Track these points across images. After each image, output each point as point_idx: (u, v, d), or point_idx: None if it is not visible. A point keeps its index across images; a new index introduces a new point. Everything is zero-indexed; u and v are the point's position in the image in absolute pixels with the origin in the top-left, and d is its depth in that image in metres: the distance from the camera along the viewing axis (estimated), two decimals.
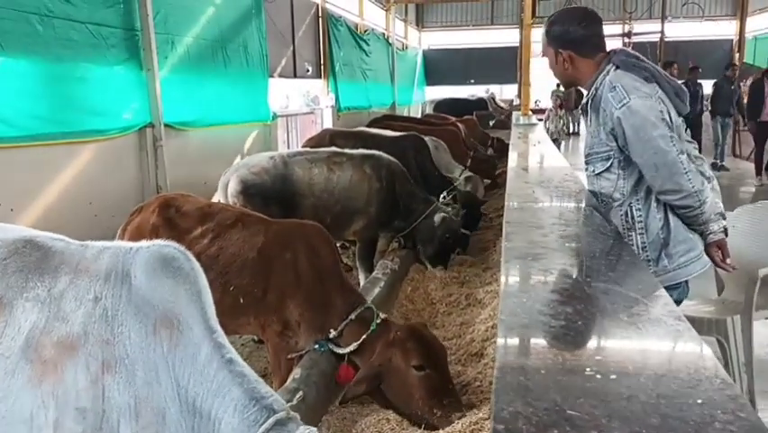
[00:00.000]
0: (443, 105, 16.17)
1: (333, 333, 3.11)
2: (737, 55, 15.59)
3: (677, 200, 2.30)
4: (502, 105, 19.56)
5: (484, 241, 6.14)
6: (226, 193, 4.86)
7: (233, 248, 3.31)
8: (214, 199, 5.15)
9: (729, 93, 12.09)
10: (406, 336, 2.87)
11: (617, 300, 1.40)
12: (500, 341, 1.21)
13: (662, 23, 19.45)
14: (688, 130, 2.61)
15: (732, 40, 19.10)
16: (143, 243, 1.72)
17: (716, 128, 12.33)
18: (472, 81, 24.10)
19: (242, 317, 3.33)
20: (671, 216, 2.36)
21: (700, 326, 3.49)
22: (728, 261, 2.52)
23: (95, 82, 5.60)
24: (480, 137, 10.34)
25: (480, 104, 17.02)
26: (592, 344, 1.21)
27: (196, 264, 1.74)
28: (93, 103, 5.59)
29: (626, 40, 20.11)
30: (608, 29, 19.07)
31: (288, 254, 3.25)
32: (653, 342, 1.21)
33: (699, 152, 2.64)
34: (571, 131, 20.39)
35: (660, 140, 2.24)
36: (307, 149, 5.93)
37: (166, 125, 6.53)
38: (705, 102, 12.90)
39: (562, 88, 21.52)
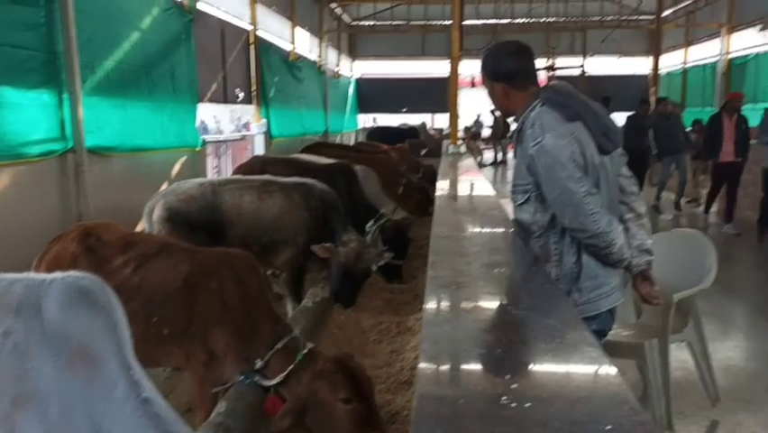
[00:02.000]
0: (376, 133, 16.33)
1: (259, 363, 3.05)
2: (652, 89, 16.46)
3: (584, 239, 2.35)
4: (433, 133, 19.92)
5: (414, 268, 6.19)
6: (151, 220, 4.71)
7: (157, 278, 3.21)
8: (139, 227, 4.99)
9: (669, 129, 11.19)
10: (333, 368, 2.83)
11: (536, 328, 1.44)
12: (421, 370, 1.22)
13: (584, 58, 20.38)
14: (625, 166, 2.66)
15: (647, 75, 20.21)
16: (58, 274, 1.64)
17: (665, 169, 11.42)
18: (405, 110, 24.47)
19: (166, 348, 3.23)
20: (583, 251, 2.40)
21: (620, 349, 3.62)
22: (656, 290, 2.58)
23: (13, 105, 5.37)
24: (412, 165, 10.47)
25: (412, 132, 17.27)
26: (510, 372, 1.24)
27: (113, 297, 1.68)
28: (10, 127, 5.35)
29: (550, 73, 20.99)
30: None
31: (214, 283, 3.18)
32: (568, 369, 1.25)
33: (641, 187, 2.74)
34: (498, 160, 20.98)
35: (568, 180, 2.28)
36: (239, 176, 5.84)
37: (89, 150, 6.31)
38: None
39: (481, 118, 22.21)
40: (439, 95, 21.72)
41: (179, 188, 4.95)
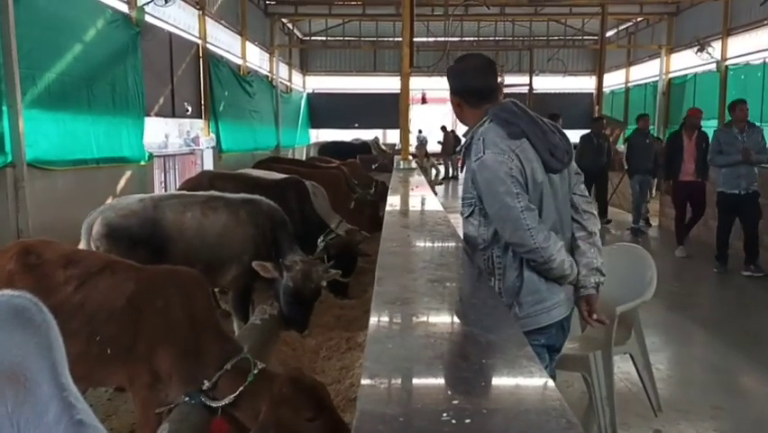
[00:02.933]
0: (328, 149, 16.33)
1: (206, 384, 2.98)
2: (597, 107, 16.98)
3: (523, 253, 2.39)
4: (385, 149, 20.04)
5: (365, 284, 6.18)
6: (90, 237, 4.57)
7: (100, 296, 3.12)
8: (82, 245, 4.83)
9: (646, 147, 10.78)
10: (290, 390, 2.79)
11: (478, 344, 1.45)
12: (362, 388, 1.22)
13: (531, 76, 20.89)
14: (582, 183, 2.71)
15: (592, 93, 20.87)
16: None
17: (634, 187, 10.83)
18: (357, 125, 24.53)
19: (109, 369, 3.13)
20: (525, 266, 2.43)
21: (566, 362, 3.67)
22: (595, 317, 2.60)
23: None
24: (364, 180, 10.50)
25: (363, 147, 17.34)
26: (450, 388, 1.24)
27: (49, 316, 1.62)
28: None
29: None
30: None
31: (160, 302, 3.11)
32: (507, 384, 1.26)
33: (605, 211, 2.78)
34: (450, 174, 21.22)
35: (506, 196, 2.32)
36: (183, 192, 5.74)
37: (29, 165, 6.12)
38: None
39: (423, 134, 22.37)
40: (391, 110, 21.87)
41: (119, 204, 4.83)
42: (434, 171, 13.21)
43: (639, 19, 20.23)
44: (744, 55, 15.11)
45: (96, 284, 3.19)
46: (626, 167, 11.28)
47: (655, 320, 5.52)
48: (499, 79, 21.35)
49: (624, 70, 22.61)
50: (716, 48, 16.14)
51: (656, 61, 19.58)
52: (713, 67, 16.26)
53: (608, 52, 19.54)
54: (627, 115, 21.16)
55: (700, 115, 9.08)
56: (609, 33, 20.69)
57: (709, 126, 15.46)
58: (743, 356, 5.17)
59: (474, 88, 2.56)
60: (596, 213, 2.67)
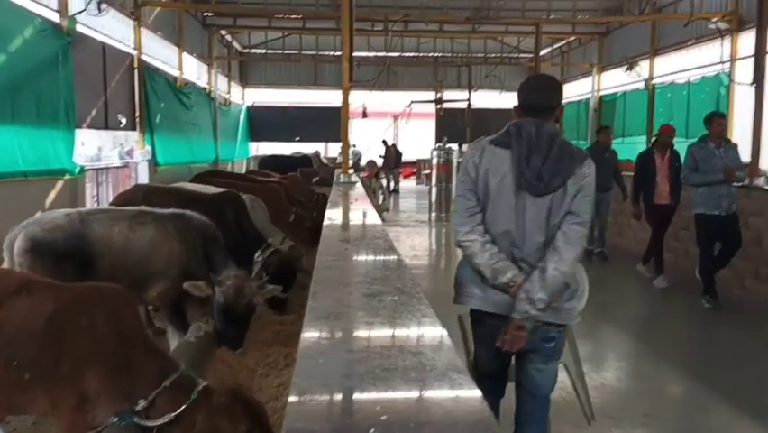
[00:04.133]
0: (268, 162, 16.17)
1: (141, 403, 2.87)
2: None
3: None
4: (326, 162, 19.99)
5: (304, 298, 6.11)
6: (12, 253, 4.37)
7: (17, 318, 2.96)
8: (5, 262, 4.61)
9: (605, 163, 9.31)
10: (228, 401, 2.75)
11: (408, 357, 1.45)
12: (290, 406, 1.19)
13: (469, 92, 21.29)
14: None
15: None
16: None
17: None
18: (298, 138, 24.40)
19: (29, 394, 2.97)
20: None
21: None
22: (501, 342, 2.68)
23: None
24: (305, 194, 10.45)
25: (304, 161, 17.25)
26: (381, 402, 1.24)
27: None
28: None
29: (438, 106, 21.73)
30: (422, 95, 20.25)
31: (84, 320, 2.98)
32: (436, 396, 1.26)
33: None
34: (392, 188, 21.33)
35: (458, 182, 2.79)
36: (112, 207, 5.56)
37: None
38: None
39: (356, 148, 22.37)
40: (332, 124, 21.83)
41: (44, 218, 4.64)
42: (380, 196, 10.50)
43: (572, 38, 20.93)
44: (669, 74, 15.82)
45: (11, 306, 3.02)
46: None
47: (588, 331, 5.67)
48: (439, 95, 21.66)
49: None
50: (644, 67, 16.85)
51: (588, 79, 20.29)
52: (641, 85, 16.96)
53: (543, 70, 20.13)
54: (562, 130, 21.77)
55: (673, 132, 8.31)
56: (544, 52, 21.34)
57: (638, 141, 16.19)
58: (673, 365, 5.37)
59: (522, 103, 2.81)
60: (565, 254, 2.62)
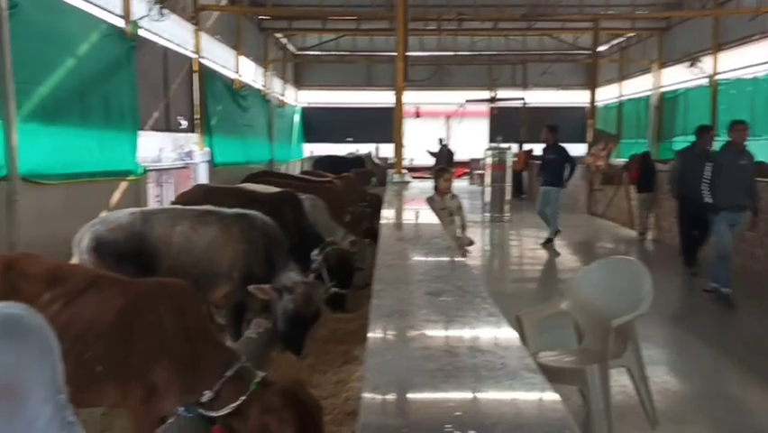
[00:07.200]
0: (322, 163, 16.34)
1: (207, 394, 2.94)
2: (590, 121, 17.08)
3: None
4: (379, 162, 20.05)
5: (361, 297, 6.15)
6: (80, 250, 4.54)
7: (88, 313, 3.08)
8: (74, 259, 4.79)
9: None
10: (280, 402, 2.77)
11: (477, 355, 1.44)
12: (364, 400, 1.20)
13: (524, 90, 21.01)
14: None
15: (585, 107, 20.99)
16: None
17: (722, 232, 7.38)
18: (350, 139, 24.57)
19: (101, 388, 3.08)
20: None
21: (563, 375, 3.67)
22: None
23: None
24: (359, 194, 10.52)
25: (357, 161, 17.36)
26: (453, 400, 1.23)
27: (45, 321, 1.60)
28: None
29: (492, 105, 21.54)
30: (475, 94, 20.09)
31: (151, 315, 3.08)
32: (509, 395, 1.25)
33: None
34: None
35: None
36: (176, 206, 5.70)
37: (23, 178, 6.08)
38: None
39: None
40: (384, 124, 21.96)
41: (110, 218, 4.80)
42: (457, 229, 7.52)
43: (631, 34, 20.39)
44: (734, 70, 15.24)
45: (83, 301, 3.14)
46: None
47: (651, 333, 5.52)
48: (492, 93, 21.53)
49: (617, 85, 22.75)
50: (707, 63, 16.28)
51: (648, 76, 19.72)
52: (704, 81, 16.39)
53: (601, 67, 19.74)
54: (621, 128, 21.26)
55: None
56: (602, 48, 20.85)
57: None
58: (739, 368, 5.18)
59: None
60: None
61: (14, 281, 3.18)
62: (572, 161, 11.04)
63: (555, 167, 10.80)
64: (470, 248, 6.83)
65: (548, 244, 10.69)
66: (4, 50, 5.75)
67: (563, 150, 10.93)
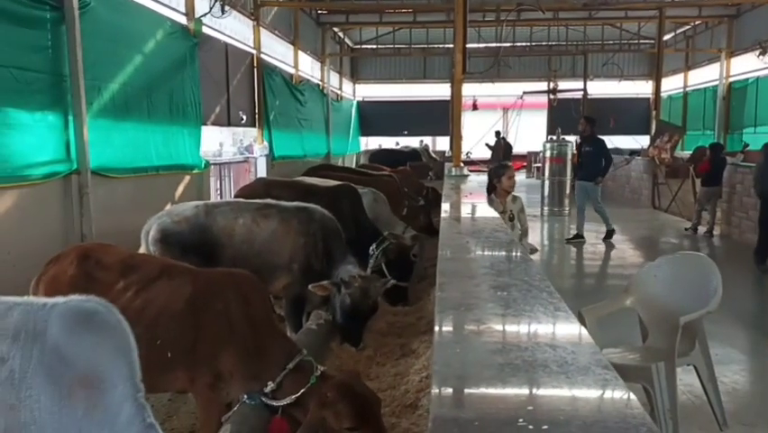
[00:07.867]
0: (379, 156, 16.39)
1: (270, 385, 3.00)
2: (654, 112, 16.56)
3: None
4: (435, 156, 19.96)
5: (419, 290, 6.16)
6: (147, 241, 4.71)
7: (160, 300, 3.19)
8: (141, 249, 4.97)
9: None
10: (337, 396, 2.79)
11: (547, 350, 1.43)
12: (434, 392, 1.21)
13: (585, 81, 20.52)
14: None
15: (649, 98, 20.36)
16: (60, 298, 1.60)
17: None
18: (406, 133, 24.57)
19: (171, 373, 3.19)
20: None
21: (627, 373, 3.56)
22: None
23: (18, 127, 5.40)
24: (415, 187, 10.50)
25: (413, 155, 17.33)
26: (524, 394, 1.23)
27: (122, 318, 1.65)
28: (15, 148, 5.38)
29: (551, 96, 21.13)
30: (534, 86, 19.78)
31: (219, 304, 3.16)
32: (582, 391, 1.24)
33: None
34: None
35: None
36: (238, 199, 5.83)
37: (93, 172, 6.33)
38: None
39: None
40: (440, 117, 21.86)
41: (176, 210, 4.96)
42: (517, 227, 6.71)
43: (698, 22, 19.65)
44: None
45: (154, 289, 3.25)
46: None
47: (720, 331, 5.33)
48: (552, 84, 21.13)
49: (682, 75, 21.97)
50: None
51: (716, 65, 18.96)
52: None
53: (666, 56, 19.05)
54: (686, 120, 20.54)
55: None
56: (667, 37, 20.14)
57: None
58: None
59: None
60: None
61: (91, 270, 3.32)
62: (609, 155, 10.82)
63: (592, 160, 10.61)
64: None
65: (608, 238, 10.50)
66: (76, 50, 5.98)
67: (601, 142, 10.74)
